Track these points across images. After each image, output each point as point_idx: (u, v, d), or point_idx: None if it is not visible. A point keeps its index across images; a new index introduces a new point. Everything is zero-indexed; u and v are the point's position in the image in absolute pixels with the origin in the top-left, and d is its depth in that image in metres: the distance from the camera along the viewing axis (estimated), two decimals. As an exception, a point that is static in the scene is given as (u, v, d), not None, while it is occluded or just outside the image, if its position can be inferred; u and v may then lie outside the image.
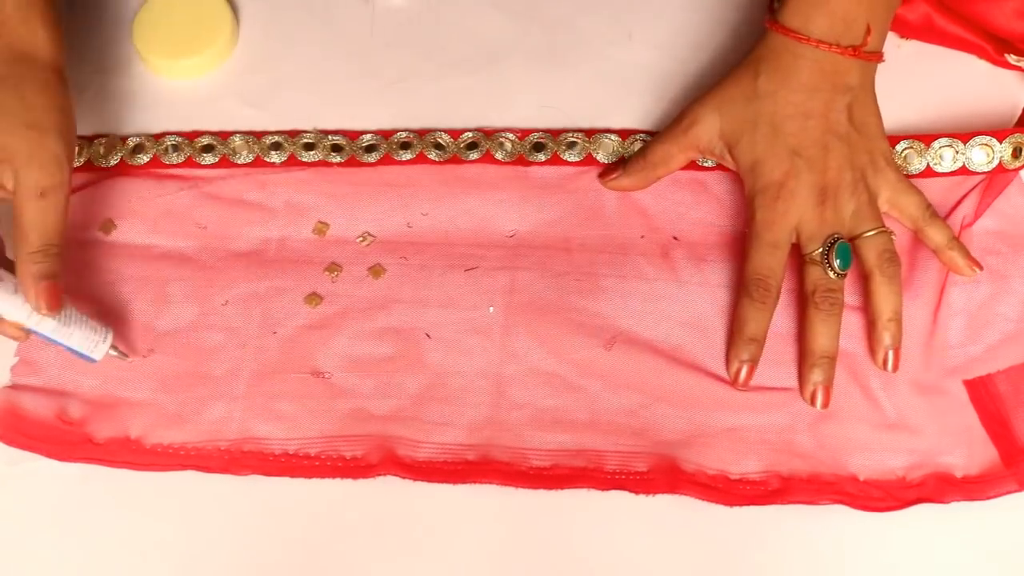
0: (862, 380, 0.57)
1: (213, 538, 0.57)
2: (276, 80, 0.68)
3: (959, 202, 0.60)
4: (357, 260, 0.62)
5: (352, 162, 0.64)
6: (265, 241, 0.63)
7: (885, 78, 0.59)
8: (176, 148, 0.65)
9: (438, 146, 0.64)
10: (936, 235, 0.58)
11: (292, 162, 0.65)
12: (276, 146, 0.65)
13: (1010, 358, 0.57)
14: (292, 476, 0.58)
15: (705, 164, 0.63)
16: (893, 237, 0.57)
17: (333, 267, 0.62)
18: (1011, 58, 0.64)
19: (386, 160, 0.64)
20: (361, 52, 0.69)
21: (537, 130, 0.64)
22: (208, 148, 0.65)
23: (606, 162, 0.63)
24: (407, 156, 0.64)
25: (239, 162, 0.65)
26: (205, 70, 0.68)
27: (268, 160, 0.65)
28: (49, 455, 0.59)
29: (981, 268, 0.57)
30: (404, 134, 0.65)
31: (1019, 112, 0.63)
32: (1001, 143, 0.60)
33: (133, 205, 0.64)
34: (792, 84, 0.57)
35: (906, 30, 0.65)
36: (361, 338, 0.60)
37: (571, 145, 0.64)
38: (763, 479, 0.56)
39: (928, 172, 0.61)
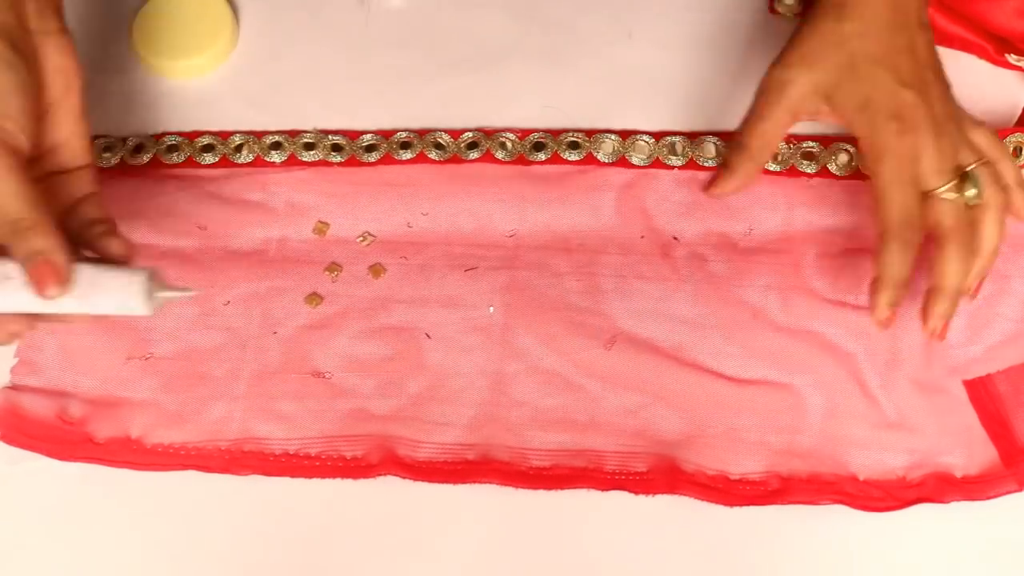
0: (862, 380, 0.57)
1: (213, 538, 0.57)
2: (276, 80, 0.68)
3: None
4: (357, 260, 0.62)
5: (352, 162, 0.64)
6: (265, 241, 0.63)
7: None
8: (176, 148, 0.65)
9: (438, 146, 0.64)
10: (1009, 173, 0.57)
11: (292, 162, 0.65)
12: (276, 146, 0.65)
13: (1010, 358, 0.57)
14: (292, 476, 0.58)
15: (705, 164, 0.63)
16: (991, 164, 0.56)
17: (333, 267, 0.62)
18: (1011, 58, 0.64)
19: (386, 160, 0.64)
20: (361, 52, 0.69)
21: (537, 130, 0.64)
22: (208, 148, 0.65)
23: (606, 162, 0.63)
24: (407, 156, 0.64)
25: (239, 162, 0.65)
26: (205, 70, 0.68)
27: (268, 160, 0.65)
28: (49, 455, 0.59)
29: None
30: (404, 134, 0.65)
31: (1019, 112, 0.63)
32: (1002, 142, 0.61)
33: (133, 205, 0.64)
34: (879, 23, 0.55)
35: (907, 30, 0.65)
36: (361, 338, 0.60)
37: (572, 145, 0.64)
38: (763, 479, 0.56)
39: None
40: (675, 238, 0.61)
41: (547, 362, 0.59)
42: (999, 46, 0.64)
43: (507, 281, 0.61)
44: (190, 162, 0.65)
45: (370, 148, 0.65)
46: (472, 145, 0.64)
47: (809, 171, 0.62)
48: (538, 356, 0.59)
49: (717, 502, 0.56)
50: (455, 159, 0.64)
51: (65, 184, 0.53)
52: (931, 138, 0.54)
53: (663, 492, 0.56)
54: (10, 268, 0.48)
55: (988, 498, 0.55)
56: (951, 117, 0.56)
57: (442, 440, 0.58)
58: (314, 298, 0.61)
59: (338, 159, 0.64)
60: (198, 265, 0.62)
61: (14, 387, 0.60)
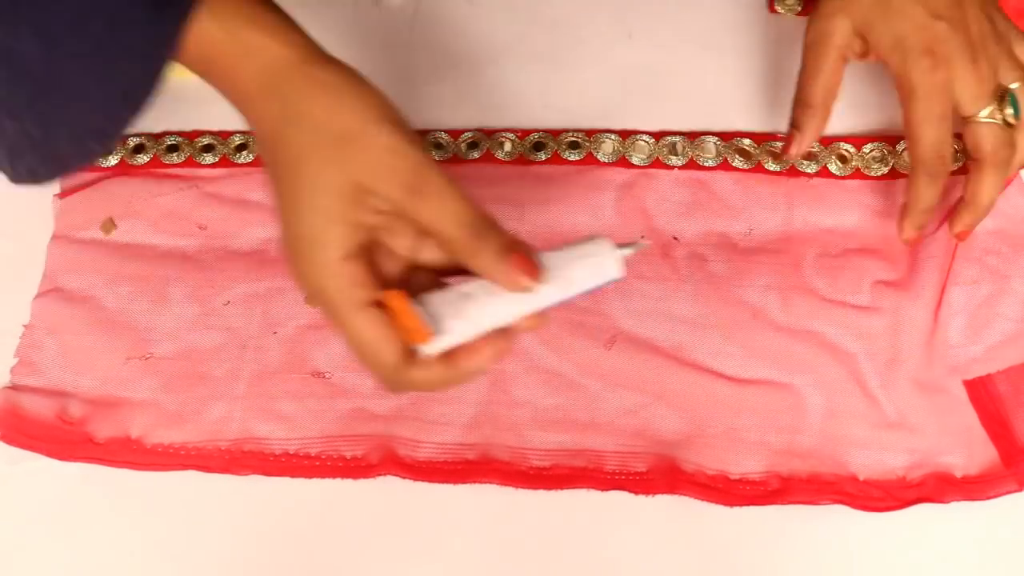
0: (862, 380, 0.57)
1: (213, 538, 0.57)
2: (276, 80, 0.68)
3: (960, 200, 0.60)
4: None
5: (352, 161, 0.64)
6: (265, 241, 0.63)
7: (885, 78, 0.59)
8: (176, 148, 0.66)
9: (438, 145, 0.64)
10: None
11: (292, 162, 0.65)
12: (276, 146, 0.65)
13: (1010, 358, 0.57)
14: (292, 476, 0.58)
15: (705, 164, 0.63)
16: None
17: (333, 267, 0.62)
18: (1012, 58, 0.64)
19: (386, 159, 0.64)
20: (362, 52, 0.69)
21: (537, 130, 0.64)
22: (208, 148, 0.65)
23: (606, 162, 0.63)
24: (407, 155, 0.64)
25: (239, 162, 0.65)
26: (205, 70, 0.68)
27: (268, 160, 0.65)
28: (49, 455, 0.59)
29: None
30: (404, 134, 0.65)
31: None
32: None
33: (134, 205, 0.64)
34: None
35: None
36: (361, 338, 0.60)
37: (572, 145, 0.64)
38: (763, 479, 0.56)
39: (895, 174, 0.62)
40: (675, 238, 0.61)
41: (547, 362, 0.59)
42: (1000, 46, 0.64)
43: (507, 280, 0.61)
44: (190, 162, 0.65)
45: (370, 148, 0.65)
46: (472, 145, 0.64)
47: (809, 171, 0.62)
48: (538, 356, 0.59)
49: (717, 502, 0.56)
50: (455, 159, 0.64)
51: None
52: (967, 66, 0.54)
53: (663, 492, 0.56)
54: (468, 287, 0.45)
55: (988, 498, 0.55)
56: (990, 36, 0.55)
57: (442, 440, 0.58)
58: (314, 298, 0.61)
59: (338, 159, 0.64)
60: (198, 265, 0.62)
61: (14, 387, 0.60)
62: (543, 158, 0.63)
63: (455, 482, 0.57)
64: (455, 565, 0.56)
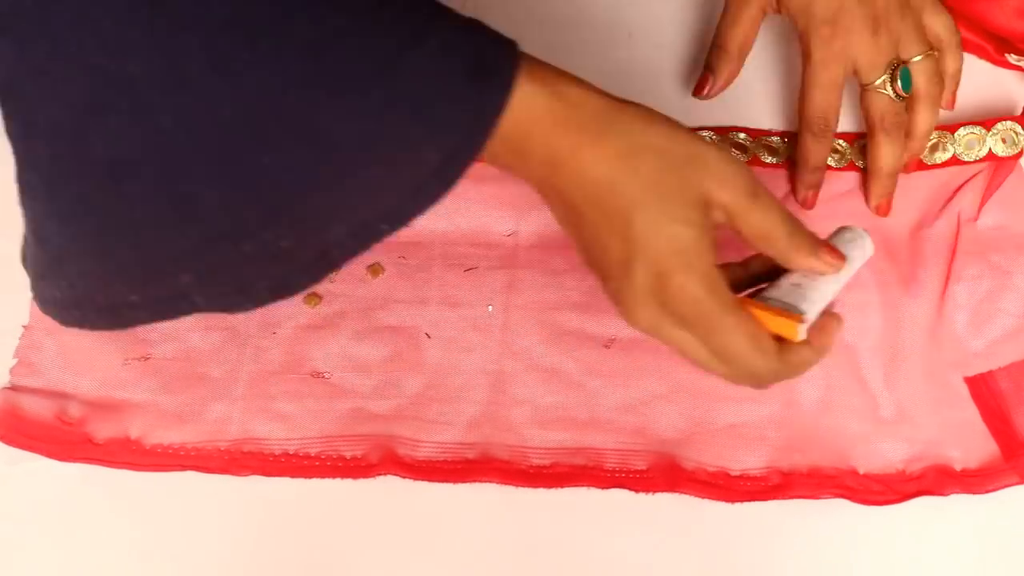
0: (862, 374, 0.58)
1: (213, 538, 0.57)
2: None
3: (956, 192, 0.60)
4: (356, 259, 0.62)
5: (352, 161, 0.64)
6: (264, 241, 0.62)
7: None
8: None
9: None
10: (950, 63, 0.60)
11: (291, 162, 0.65)
12: (276, 146, 0.65)
13: (1012, 354, 0.57)
14: (292, 476, 0.58)
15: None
16: (935, 55, 0.58)
17: (332, 267, 0.62)
18: (1011, 58, 0.64)
19: (386, 159, 0.64)
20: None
21: (537, 130, 0.64)
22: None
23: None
24: (407, 155, 0.64)
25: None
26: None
27: (267, 160, 0.65)
28: (49, 455, 0.59)
29: (952, 108, 0.61)
30: (404, 134, 0.65)
31: (1019, 111, 0.63)
32: (989, 130, 0.61)
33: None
34: None
35: (906, 29, 0.65)
36: (360, 337, 0.60)
37: (571, 144, 0.64)
38: (764, 475, 0.56)
39: (919, 165, 0.62)
40: None
41: (547, 360, 0.59)
42: (999, 46, 0.64)
43: (506, 280, 0.61)
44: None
45: (369, 148, 0.64)
46: (471, 145, 0.64)
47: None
48: (538, 355, 0.59)
49: (718, 499, 0.56)
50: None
51: None
52: (866, 37, 0.57)
53: (663, 490, 0.56)
54: (790, 279, 0.49)
55: (987, 491, 0.55)
56: (896, 10, 0.58)
57: (442, 439, 0.58)
58: (313, 298, 0.61)
59: (337, 159, 0.64)
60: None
61: (13, 388, 0.60)
62: (542, 158, 0.63)
63: (455, 481, 0.57)
64: (455, 565, 0.56)
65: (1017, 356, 0.57)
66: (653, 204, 0.45)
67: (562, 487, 0.56)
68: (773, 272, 0.49)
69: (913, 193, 0.61)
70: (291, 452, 0.58)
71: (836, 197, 0.62)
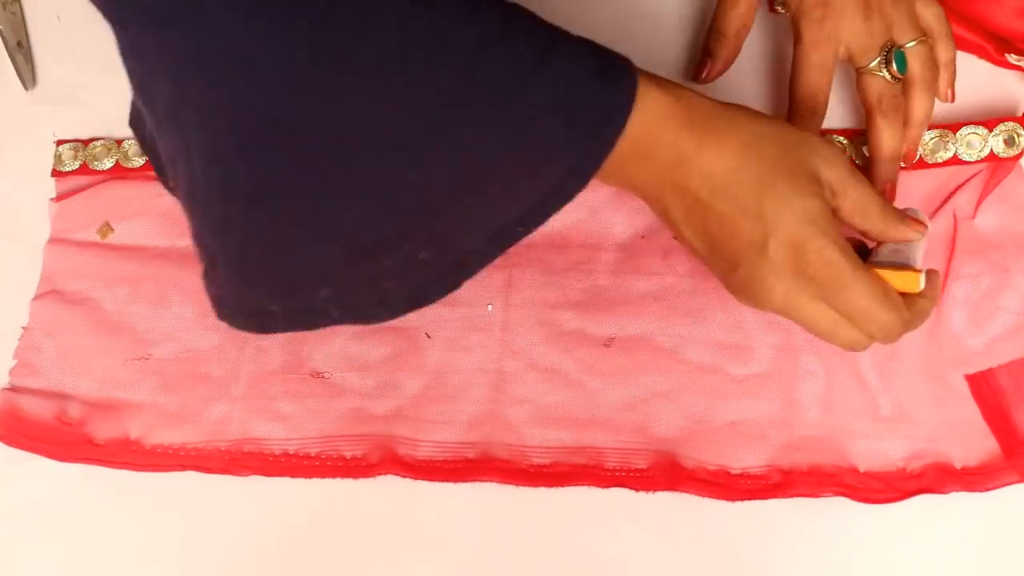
0: (861, 372, 0.57)
1: (213, 538, 0.57)
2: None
3: (954, 191, 0.60)
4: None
5: (351, 162, 0.64)
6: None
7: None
8: (175, 149, 0.65)
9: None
10: (943, 52, 0.60)
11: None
12: (275, 146, 0.65)
13: (1012, 352, 0.57)
14: (292, 476, 0.58)
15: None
16: (929, 41, 0.59)
17: (332, 267, 0.62)
18: (1011, 58, 0.64)
19: (386, 160, 0.64)
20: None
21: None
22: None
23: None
24: (406, 156, 0.64)
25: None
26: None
27: (267, 160, 0.65)
28: (49, 455, 0.59)
29: (953, 100, 0.61)
30: (404, 134, 0.65)
31: (1019, 112, 0.63)
32: (991, 131, 0.61)
33: (131, 207, 0.64)
34: None
35: (906, 29, 0.65)
36: (360, 337, 0.60)
37: (571, 144, 0.64)
38: (764, 473, 0.56)
39: (921, 164, 0.61)
40: (675, 238, 0.61)
41: (546, 359, 0.59)
42: (999, 46, 0.64)
43: (506, 279, 0.61)
44: (189, 163, 0.65)
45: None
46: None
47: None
48: (537, 354, 0.59)
49: (719, 497, 0.56)
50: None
51: None
52: (858, 20, 0.57)
53: (664, 489, 0.56)
54: (888, 247, 0.52)
55: (987, 489, 0.55)
56: None
57: (442, 439, 0.58)
58: (313, 298, 0.61)
59: (336, 159, 0.64)
60: (197, 265, 0.62)
61: (13, 388, 0.60)
62: (543, 157, 0.63)
63: (455, 481, 0.57)
64: (455, 565, 0.56)
65: (1017, 354, 0.57)
66: (781, 182, 0.48)
67: (562, 486, 0.56)
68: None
69: (912, 192, 0.61)
70: (291, 452, 0.58)
71: None
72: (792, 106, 0.60)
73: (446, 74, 0.42)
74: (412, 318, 0.60)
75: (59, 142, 0.66)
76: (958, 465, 0.56)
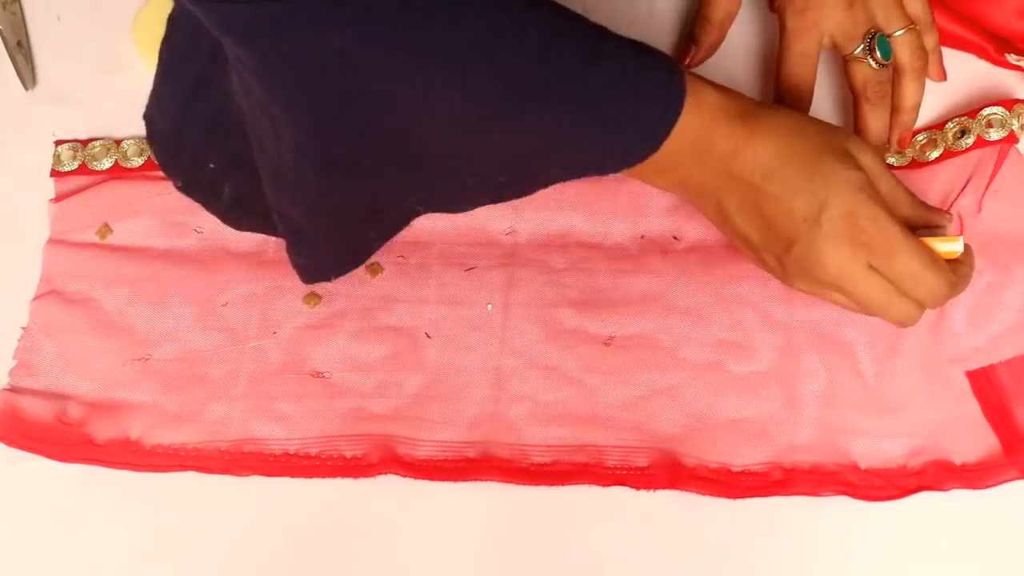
0: (860, 369, 0.57)
1: (213, 538, 0.57)
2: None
3: (962, 191, 0.60)
4: None
5: (351, 162, 0.64)
6: (263, 241, 0.63)
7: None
8: (173, 150, 0.65)
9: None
10: (929, 40, 0.61)
11: (290, 162, 0.65)
12: (275, 146, 0.65)
13: (1012, 348, 0.57)
14: (292, 476, 0.58)
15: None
16: (917, 29, 0.59)
17: (332, 266, 0.62)
18: (1011, 58, 0.64)
19: (385, 159, 0.64)
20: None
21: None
22: (205, 149, 0.65)
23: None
24: (406, 155, 0.64)
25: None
26: (204, 71, 0.68)
27: (267, 160, 0.65)
28: (49, 456, 0.59)
29: (945, 78, 0.62)
30: (403, 133, 0.65)
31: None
32: (975, 119, 0.61)
33: (131, 206, 0.64)
34: None
35: (906, 29, 0.65)
36: (360, 337, 0.60)
37: (571, 144, 0.64)
38: (765, 471, 0.56)
39: (914, 164, 0.62)
40: (675, 238, 0.61)
41: (546, 358, 0.59)
42: (999, 46, 0.64)
43: (505, 279, 0.61)
44: (188, 163, 0.65)
45: (369, 148, 0.64)
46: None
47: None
48: (537, 352, 0.59)
49: (720, 495, 0.56)
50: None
51: None
52: (839, 9, 0.59)
53: (665, 487, 0.56)
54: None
55: (987, 486, 0.55)
56: None
57: (442, 438, 0.58)
58: (312, 298, 0.61)
59: (336, 159, 0.64)
60: (196, 266, 0.62)
61: (13, 389, 0.60)
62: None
63: (456, 480, 0.57)
64: (455, 564, 0.56)
65: (1018, 350, 0.57)
66: (827, 158, 0.51)
67: (563, 484, 0.56)
68: None
69: (920, 194, 0.61)
70: (291, 452, 0.58)
71: None
72: (777, 96, 0.61)
73: (522, 60, 0.47)
74: (412, 318, 0.60)
75: (58, 142, 0.66)
76: (958, 462, 0.56)
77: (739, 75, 0.66)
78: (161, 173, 0.64)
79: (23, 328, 0.62)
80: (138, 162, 0.65)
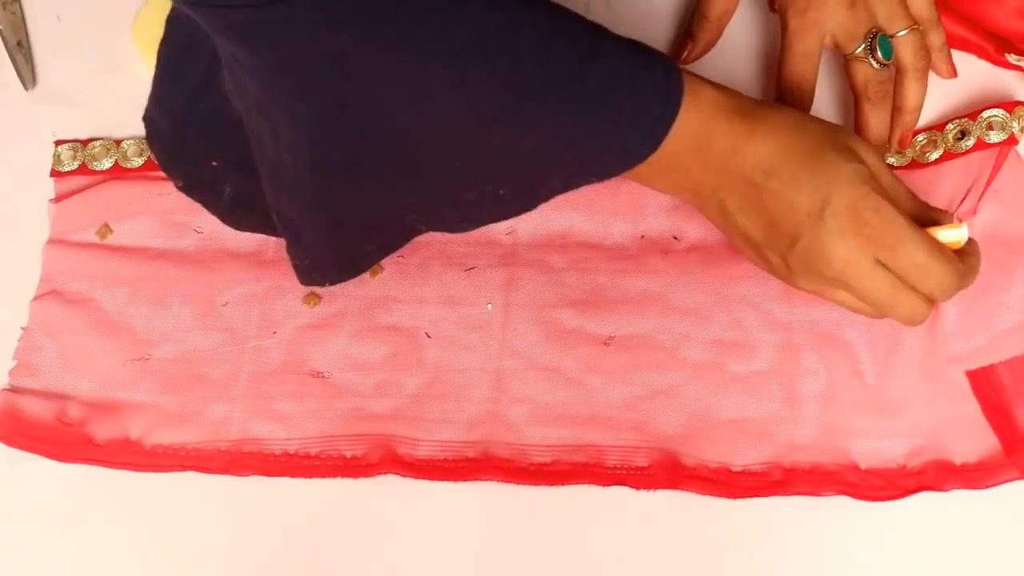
0: (862, 370, 0.57)
1: (213, 538, 0.57)
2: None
3: (964, 198, 0.60)
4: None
5: (351, 162, 0.64)
6: (263, 241, 0.63)
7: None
8: (175, 149, 0.65)
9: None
10: (935, 38, 0.61)
11: (290, 162, 0.65)
12: (275, 146, 0.65)
13: (1013, 348, 0.57)
14: (292, 476, 0.58)
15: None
16: (920, 29, 0.59)
17: (332, 266, 0.62)
18: (1011, 58, 0.64)
19: (385, 159, 0.64)
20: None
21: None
22: (204, 150, 0.65)
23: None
24: (406, 155, 0.64)
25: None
26: (204, 71, 0.68)
27: (266, 160, 0.65)
28: (49, 456, 0.59)
29: (955, 75, 0.62)
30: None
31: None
32: (975, 121, 0.61)
33: (131, 206, 0.64)
34: None
35: (906, 29, 0.65)
36: (360, 337, 0.60)
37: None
38: (765, 470, 0.56)
39: (914, 164, 0.62)
40: (675, 238, 0.61)
41: (546, 358, 0.59)
42: (999, 46, 0.64)
43: (505, 278, 0.61)
44: (188, 163, 0.65)
45: (369, 148, 0.64)
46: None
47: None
48: (537, 352, 0.59)
49: (720, 495, 0.56)
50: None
51: None
52: (840, 9, 0.59)
53: (665, 487, 0.56)
54: None
55: (987, 486, 0.55)
56: None
57: (442, 438, 0.58)
58: (312, 298, 0.61)
59: (336, 159, 0.64)
60: (196, 266, 0.62)
61: (13, 389, 0.60)
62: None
63: (455, 480, 0.57)
64: (455, 564, 0.56)
65: (1018, 350, 0.57)
66: (828, 152, 0.51)
67: (563, 485, 0.56)
68: None
69: (920, 194, 0.61)
70: (291, 452, 0.58)
71: None
72: (778, 95, 0.61)
73: (520, 60, 0.46)
74: (412, 318, 0.60)
75: (58, 142, 0.66)
76: (958, 462, 0.56)
77: (739, 74, 0.65)
78: (161, 173, 0.64)
79: (23, 328, 0.62)
80: (138, 162, 0.65)
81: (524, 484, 0.57)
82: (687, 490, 0.56)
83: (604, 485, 0.56)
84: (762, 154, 0.51)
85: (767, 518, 0.56)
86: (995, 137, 0.60)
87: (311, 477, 0.58)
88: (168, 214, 0.63)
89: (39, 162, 0.66)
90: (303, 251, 0.56)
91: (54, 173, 0.65)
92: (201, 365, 0.60)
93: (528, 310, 0.60)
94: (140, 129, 0.64)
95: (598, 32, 0.49)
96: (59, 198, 0.65)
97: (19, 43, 0.68)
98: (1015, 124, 0.60)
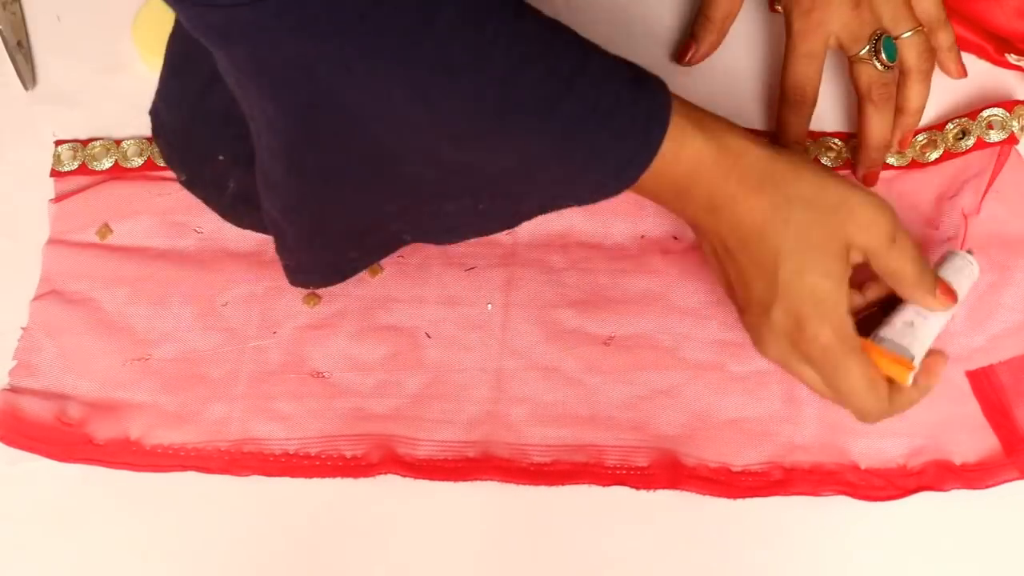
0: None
1: (213, 538, 0.57)
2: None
3: (960, 190, 0.60)
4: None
5: (350, 162, 0.64)
6: (263, 241, 0.63)
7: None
8: (173, 150, 0.65)
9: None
10: (944, 39, 0.61)
11: (289, 162, 0.65)
12: (275, 146, 0.65)
13: (1013, 348, 0.57)
14: (292, 476, 0.58)
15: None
16: (924, 31, 0.59)
17: (332, 266, 0.62)
18: (1011, 58, 0.64)
19: (385, 159, 0.64)
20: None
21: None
22: (204, 150, 0.65)
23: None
24: (406, 155, 0.64)
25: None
26: (204, 71, 0.68)
27: (266, 160, 0.65)
28: (49, 456, 0.59)
29: (965, 75, 0.62)
30: (403, 133, 0.65)
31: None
32: (975, 120, 0.61)
33: (131, 206, 0.64)
34: None
35: (906, 29, 0.65)
36: (360, 337, 0.60)
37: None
38: (765, 470, 0.56)
39: (914, 164, 0.62)
40: (675, 238, 0.61)
41: (546, 358, 0.59)
42: (999, 46, 0.64)
43: (505, 278, 0.61)
44: (188, 163, 0.65)
45: (369, 148, 0.64)
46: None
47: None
48: (537, 353, 0.59)
49: (720, 495, 0.56)
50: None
51: None
52: (845, 10, 0.58)
53: (665, 487, 0.56)
54: (904, 316, 0.52)
55: (987, 486, 0.55)
56: None
57: (442, 438, 0.58)
58: (312, 298, 0.61)
59: (336, 159, 0.64)
60: (196, 266, 0.62)
61: (13, 389, 0.60)
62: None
63: (455, 480, 0.57)
64: (455, 564, 0.56)
65: (1018, 351, 0.57)
66: (799, 255, 0.49)
67: (563, 484, 0.56)
68: (888, 299, 0.53)
69: (920, 193, 0.61)
70: (291, 452, 0.58)
71: None
72: (782, 95, 0.61)
73: (487, 84, 0.44)
74: (412, 318, 0.60)
75: (58, 142, 0.66)
76: (958, 462, 0.56)
77: (742, 75, 0.66)
78: (161, 173, 0.64)
79: (23, 328, 0.62)
80: (138, 162, 0.65)
81: (524, 484, 0.57)
82: (687, 490, 0.56)
83: (604, 485, 0.56)
84: (737, 223, 0.49)
85: (767, 518, 0.56)
86: (995, 136, 0.60)
87: (311, 477, 0.58)
88: (168, 214, 0.63)
89: (39, 162, 0.66)
90: (287, 252, 0.57)
91: (54, 173, 0.65)
92: (201, 365, 0.60)
93: (528, 310, 0.60)
94: (140, 129, 0.64)
95: (584, 57, 0.46)
96: (59, 198, 0.65)
97: (19, 43, 0.68)
98: (1015, 123, 0.60)
